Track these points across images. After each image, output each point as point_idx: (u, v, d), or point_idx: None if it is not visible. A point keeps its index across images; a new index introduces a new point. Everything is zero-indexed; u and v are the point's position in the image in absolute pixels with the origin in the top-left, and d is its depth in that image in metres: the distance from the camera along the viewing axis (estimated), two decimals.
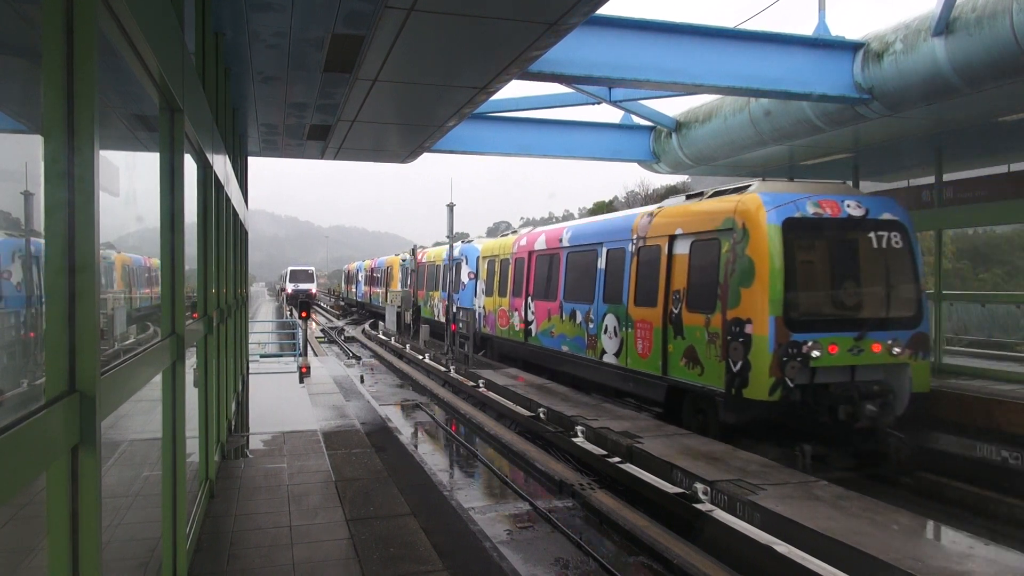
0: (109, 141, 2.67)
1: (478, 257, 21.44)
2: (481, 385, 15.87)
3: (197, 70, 4.93)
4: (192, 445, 4.99)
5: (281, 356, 19.30)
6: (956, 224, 14.41)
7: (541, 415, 12.53)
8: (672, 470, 8.63)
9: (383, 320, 33.22)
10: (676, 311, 10.74)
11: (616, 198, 50.53)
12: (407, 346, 24.86)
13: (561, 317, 14.78)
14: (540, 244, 16.39)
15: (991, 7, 8.29)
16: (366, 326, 36.66)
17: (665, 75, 9.54)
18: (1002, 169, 14.06)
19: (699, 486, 7.93)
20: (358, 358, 24.76)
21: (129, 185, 3.32)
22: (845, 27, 10.95)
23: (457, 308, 19.55)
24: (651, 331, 11.36)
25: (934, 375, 10.65)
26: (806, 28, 10.57)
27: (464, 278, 22.61)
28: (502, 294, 18.29)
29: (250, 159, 13.79)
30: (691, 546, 7.02)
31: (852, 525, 6.63)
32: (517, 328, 17.23)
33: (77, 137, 1.86)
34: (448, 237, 22.72)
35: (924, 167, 15.07)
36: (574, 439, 10.73)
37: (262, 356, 18.79)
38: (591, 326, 13.45)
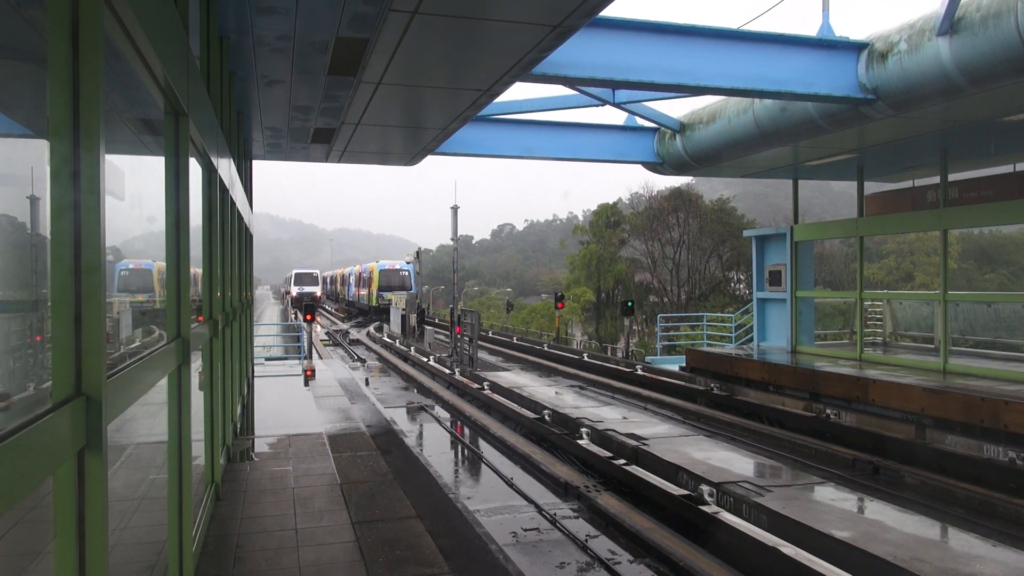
0: (114, 145, 2.67)
1: (352, 273, 57.94)
2: (486, 387, 15.87)
3: (202, 74, 4.95)
4: (198, 448, 5.00)
5: (286, 359, 19.33)
6: (961, 224, 14.34)
7: (546, 417, 12.53)
8: (678, 472, 8.62)
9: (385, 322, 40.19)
10: (368, 289, 50.29)
11: (620, 199, 50.51)
12: (412, 348, 24.89)
13: (366, 294, 50.37)
14: (357, 271, 56.87)
15: (996, 7, 8.25)
16: (371, 328, 38.44)
17: (669, 76, 9.51)
18: (1008, 169, 14.01)
19: (705, 488, 7.92)
20: (363, 360, 24.80)
21: (134, 188, 3.33)
22: (849, 27, 10.91)
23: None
24: (368, 294, 49.50)
25: (941, 375, 12.00)
26: (810, 29, 10.54)
27: (351, 280, 57.54)
28: (356, 287, 55.07)
29: (255, 162, 13.83)
30: (697, 548, 7.01)
31: (858, 527, 6.62)
32: (361, 298, 52.16)
33: (83, 141, 1.86)
34: (452, 239, 25.01)
35: (929, 167, 15.01)
36: (579, 441, 10.73)
37: (267, 359, 18.81)
38: (368, 296, 49.72)
